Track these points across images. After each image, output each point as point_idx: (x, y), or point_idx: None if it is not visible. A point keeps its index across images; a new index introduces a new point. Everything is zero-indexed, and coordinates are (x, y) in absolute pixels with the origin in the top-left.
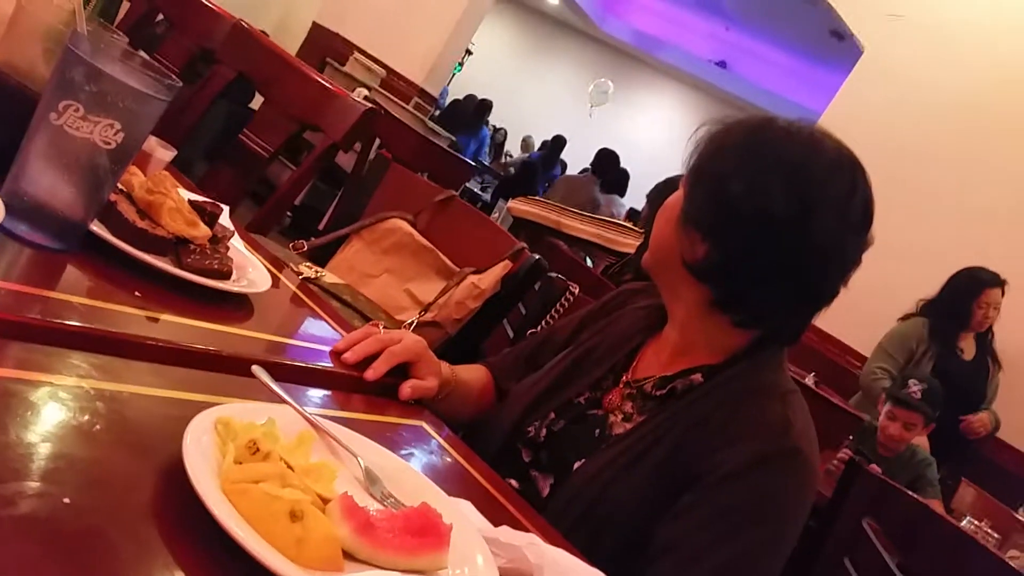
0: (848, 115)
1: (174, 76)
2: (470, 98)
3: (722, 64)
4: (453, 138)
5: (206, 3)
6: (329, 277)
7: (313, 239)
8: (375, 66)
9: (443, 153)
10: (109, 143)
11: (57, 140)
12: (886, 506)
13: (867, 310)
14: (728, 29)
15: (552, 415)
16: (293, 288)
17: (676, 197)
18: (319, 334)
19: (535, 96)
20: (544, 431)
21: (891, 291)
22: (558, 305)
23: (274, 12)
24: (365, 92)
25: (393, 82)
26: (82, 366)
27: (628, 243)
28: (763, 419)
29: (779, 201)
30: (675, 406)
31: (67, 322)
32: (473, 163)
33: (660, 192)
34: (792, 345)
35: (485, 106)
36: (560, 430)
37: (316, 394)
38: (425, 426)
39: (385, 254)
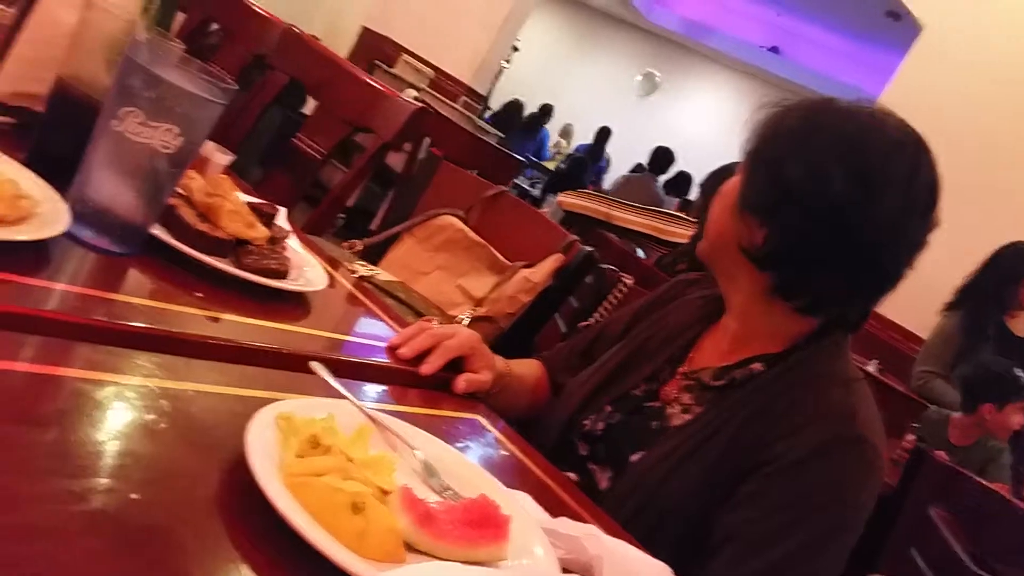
0: (907, 96)
1: (230, 80)
2: (517, 103)
3: (774, 49)
4: (501, 135)
5: (258, 10)
6: (383, 275)
7: (366, 238)
8: (423, 67)
9: (492, 150)
10: (168, 147)
11: (119, 146)
12: (954, 493)
13: (931, 296)
14: (779, 15)
15: (608, 408)
16: (348, 286)
17: (733, 183)
18: (374, 331)
19: (582, 89)
20: (601, 424)
21: (957, 276)
22: (611, 297)
23: (324, 17)
24: (414, 93)
25: (441, 82)
26: (147, 366)
27: (681, 233)
28: (826, 407)
29: (839, 183)
30: (735, 396)
31: (131, 323)
32: (522, 159)
33: (714, 181)
34: (856, 331)
35: (545, 110)
36: (617, 423)
37: (373, 389)
38: (481, 419)
39: (437, 251)
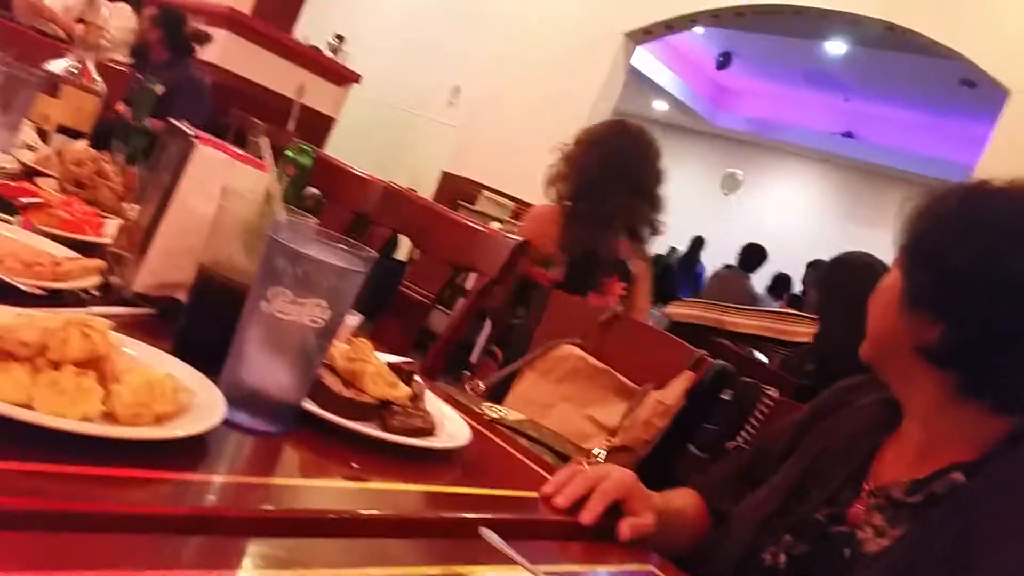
0: (1005, 163)
1: (368, 248)
2: None
3: (848, 135)
4: None
5: (356, 173)
6: (512, 415)
7: (477, 379)
8: (503, 200)
9: None
10: (317, 321)
11: (269, 326)
12: None
13: None
14: (848, 100)
15: (788, 537)
16: (486, 433)
17: (891, 280)
18: (523, 479)
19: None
20: (783, 557)
21: None
22: (757, 413)
23: (406, 169)
24: (498, 225)
25: (522, 211)
26: (319, 554)
27: (802, 332)
28: None
29: (1016, 264)
30: (938, 513)
31: (294, 509)
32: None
33: (829, 276)
34: None
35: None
36: (803, 554)
37: (536, 547)
38: (654, 571)
39: (560, 382)
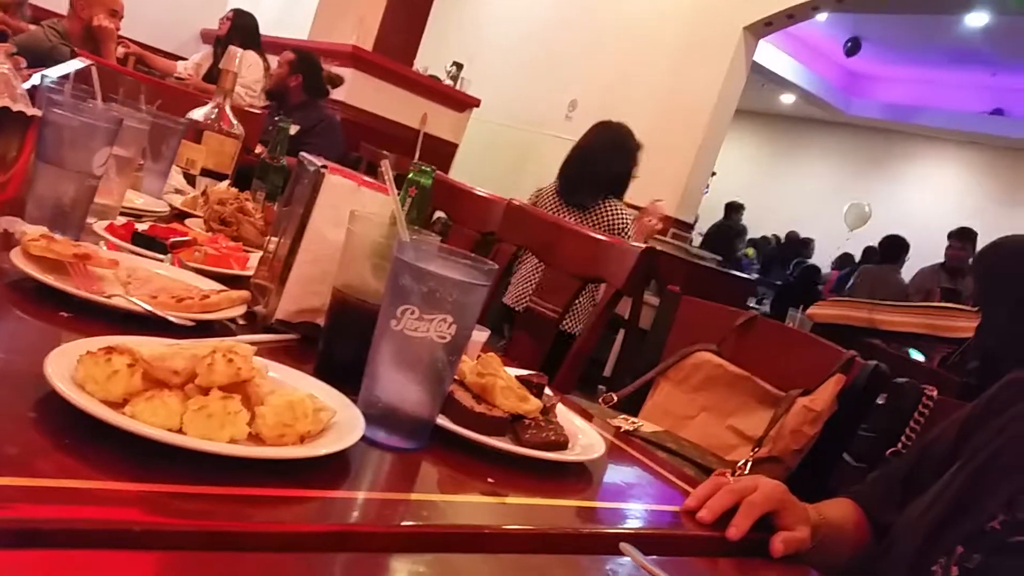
0: None
1: (488, 261)
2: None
3: (998, 112)
4: (719, 258)
5: (481, 194)
6: (647, 426)
7: (619, 390)
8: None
9: (716, 274)
10: (444, 337)
11: (400, 344)
12: None
13: None
14: (995, 75)
15: (960, 549)
16: (622, 446)
17: None
18: (661, 493)
19: (791, 195)
20: (955, 569)
21: None
22: (917, 415)
23: (531, 183)
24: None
25: (643, 217)
26: (462, 570)
27: (963, 327)
28: None
29: None
30: None
31: (435, 524)
32: (750, 277)
33: (988, 263)
34: None
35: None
36: (979, 568)
37: (681, 563)
38: None
39: (697, 391)
